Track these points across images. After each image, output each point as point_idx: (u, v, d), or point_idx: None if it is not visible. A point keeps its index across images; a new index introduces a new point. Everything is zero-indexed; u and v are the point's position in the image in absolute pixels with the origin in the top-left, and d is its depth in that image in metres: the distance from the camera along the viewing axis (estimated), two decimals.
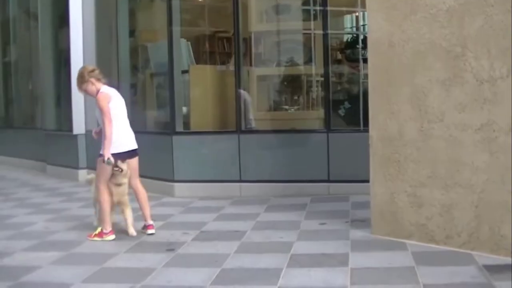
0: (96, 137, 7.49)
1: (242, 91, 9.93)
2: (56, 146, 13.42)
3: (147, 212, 7.47)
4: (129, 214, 7.34)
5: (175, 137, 10.05)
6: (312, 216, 7.95)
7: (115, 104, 7.15)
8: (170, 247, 6.67)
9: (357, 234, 6.83)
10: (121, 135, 7.18)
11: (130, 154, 7.32)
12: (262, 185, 9.63)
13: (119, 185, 7.16)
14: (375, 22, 6.50)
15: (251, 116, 10.12)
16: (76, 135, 12.48)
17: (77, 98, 12.10)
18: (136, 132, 11.13)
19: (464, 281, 5.06)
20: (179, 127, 10.24)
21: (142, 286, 5.34)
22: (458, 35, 5.85)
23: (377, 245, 6.33)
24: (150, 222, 7.42)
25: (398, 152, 6.40)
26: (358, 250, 6.19)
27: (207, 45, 11.61)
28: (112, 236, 7.17)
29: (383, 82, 6.49)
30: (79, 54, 12.20)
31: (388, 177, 6.51)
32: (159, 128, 10.96)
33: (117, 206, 7.32)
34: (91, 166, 12.08)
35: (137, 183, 7.54)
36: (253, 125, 10.18)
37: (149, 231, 7.34)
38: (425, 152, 6.18)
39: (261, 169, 9.71)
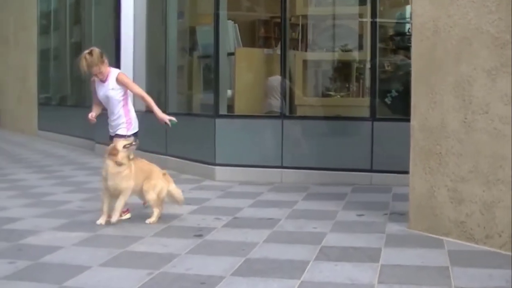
0: (94, 121, 7.39)
1: (271, 78, 9.73)
2: (104, 125, 13.36)
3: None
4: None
5: (218, 120, 9.86)
6: (350, 206, 7.67)
7: None
8: (198, 233, 6.49)
9: (394, 228, 6.52)
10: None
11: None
12: (304, 172, 9.39)
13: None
14: (420, 6, 6.14)
15: (273, 102, 9.83)
16: None
17: None
18: (180, 114, 11.11)
19: (499, 286, 4.71)
20: (223, 110, 10.05)
21: (160, 273, 5.15)
22: (507, 21, 5.46)
23: (413, 241, 6.01)
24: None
25: (440, 144, 6.05)
26: (392, 245, 5.88)
27: (255, 28, 11.33)
28: (128, 215, 7.19)
29: (426, 69, 6.14)
30: (129, 35, 12.11)
31: (428, 170, 6.18)
32: (205, 110, 10.76)
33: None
34: (138, 147, 12.04)
35: None
36: (274, 110, 9.89)
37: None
38: (468, 145, 5.82)
39: (304, 155, 9.47)
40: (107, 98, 7.14)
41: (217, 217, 7.20)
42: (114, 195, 6.93)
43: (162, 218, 7.14)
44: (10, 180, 10.22)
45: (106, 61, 7.07)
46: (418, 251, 5.67)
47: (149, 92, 11.95)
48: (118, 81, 7.07)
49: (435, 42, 6.02)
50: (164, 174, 7.19)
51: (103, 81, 7.12)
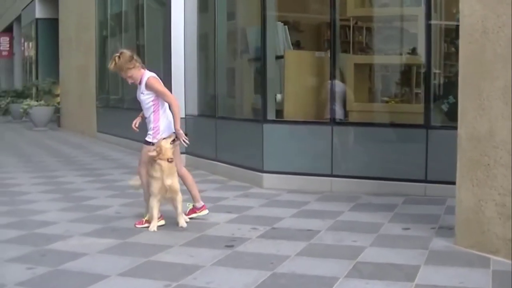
0: (135, 131, 7.18)
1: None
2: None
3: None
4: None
5: (265, 126, 9.52)
6: (398, 219, 7.23)
7: None
8: (230, 243, 6.18)
9: (439, 243, 6.07)
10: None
11: None
12: (355, 181, 8.95)
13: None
14: (468, 5, 5.69)
15: (335, 108, 9.41)
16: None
17: (177, 81, 11.88)
18: (229, 118, 10.87)
19: None
20: (271, 115, 9.70)
21: (177, 286, 4.88)
22: None
23: (457, 258, 5.56)
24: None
25: (488, 154, 5.59)
26: (433, 262, 5.45)
27: (306, 30, 10.93)
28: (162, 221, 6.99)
29: (474, 73, 5.69)
30: (180, 37, 11.94)
31: (476, 182, 5.72)
32: (255, 115, 10.44)
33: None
34: (189, 151, 11.85)
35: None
36: (337, 117, 9.47)
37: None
38: None
39: (354, 163, 9.04)
40: (140, 101, 6.98)
41: (254, 227, 6.88)
42: (170, 196, 6.80)
43: (197, 226, 6.89)
44: (57, 183, 10.14)
45: (137, 64, 6.83)
46: (460, 270, 5.23)
47: (200, 95, 11.91)
48: (147, 85, 6.84)
49: (484, 44, 5.56)
50: None
51: (138, 84, 6.94)
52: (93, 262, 5.59)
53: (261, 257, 5.70)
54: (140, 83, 6.89)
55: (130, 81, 6.90)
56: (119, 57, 6.75)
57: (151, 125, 6.94)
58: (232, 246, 6.09)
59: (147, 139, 6.94)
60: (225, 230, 6.77)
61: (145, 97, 6.86)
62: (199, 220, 7.17)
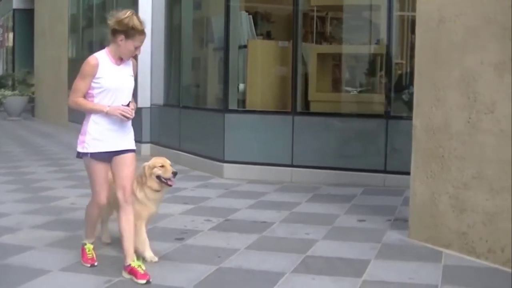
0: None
1: None
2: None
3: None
4: None
5: (227, 115, 9.37)
6: (354, 210, 7.12)
7: None
8: (180, 236, 6.02)
9: (393, 236, 5.96)
10: None
11: None
12: (315, 172, 8.85)
13: None
14: None
15: None
16: (140, 108, 11.93)
17: (143, 70, 11.64)
18: (192, 108, 10.70)
19: None
20: (233, 105, 9.54)
21: (119, 281, 4.70)
22: None
23: (409, 252, 5.45)
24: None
25: (442, 146, 5.47)
26: (384, 257, 5.33)
27: (276, 20, 10.70)
28: None
29: (430, 63, 5.57)
30: (147, 28, 11.66)
31: (430, 174, 5.60)
32: (216, 105, 10.26)
33: None
34: (154, 141, 11.67)
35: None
36: None
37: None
38: (472, 148, 5.23)
39: (315, 154, 8.92)
40: (124, 88, 4.84)
41: (208, 219, 6.72)
42: None
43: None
44: (19, 173, 9.90)
45: None
46: (411, 264, 5.11)
47: (166, 84, 11.72)
48: (134, 66, 5.00)
49: (440, 33, 5.43)
50: None
51: (118, 63, 4.83)
52: (37, 257, 5.39)
53: (209, 251, 5.54)
54: (123, 62, 4.87)
55: (137, 52, 4.84)
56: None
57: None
58: (182, 239, 5.93)
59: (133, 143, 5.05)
60: (178, 222, 6.60)
61: (132, 81, 4.95)
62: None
